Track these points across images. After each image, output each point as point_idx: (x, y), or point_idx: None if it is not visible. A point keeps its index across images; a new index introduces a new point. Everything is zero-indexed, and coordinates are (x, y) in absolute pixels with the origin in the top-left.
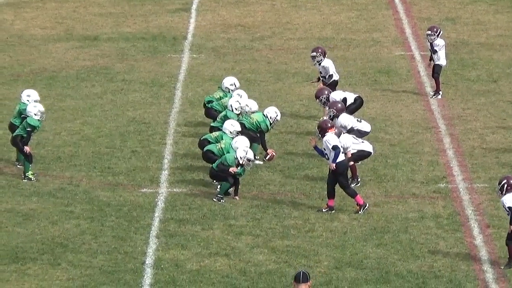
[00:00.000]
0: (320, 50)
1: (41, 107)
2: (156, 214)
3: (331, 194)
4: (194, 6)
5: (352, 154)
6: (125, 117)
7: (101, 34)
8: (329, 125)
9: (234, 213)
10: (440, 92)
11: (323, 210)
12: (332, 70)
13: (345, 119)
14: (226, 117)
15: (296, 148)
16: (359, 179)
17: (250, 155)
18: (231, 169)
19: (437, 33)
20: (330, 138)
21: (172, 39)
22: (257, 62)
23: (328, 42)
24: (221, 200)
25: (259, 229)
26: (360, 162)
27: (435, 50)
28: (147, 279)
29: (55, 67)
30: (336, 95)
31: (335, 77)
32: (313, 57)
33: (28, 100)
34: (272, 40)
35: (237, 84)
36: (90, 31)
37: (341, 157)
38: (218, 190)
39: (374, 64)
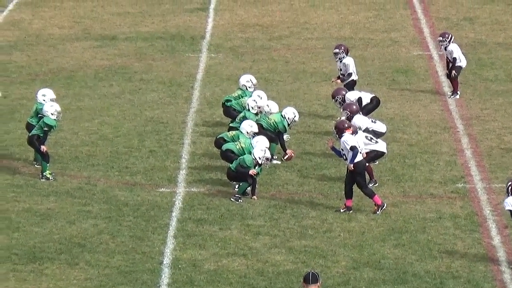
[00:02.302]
0: (343, 48)
1: (57, 107)
2: (174, 214)
3: (349, 194)
4: (212, 6)
5: (366, 154)
6: (143, 116)
7: (119, 34)
8: (346, 125)
9: (252, 213)
10: (458, 92)
11: (341, 211)
12: (352, 69)
13: (360, 120)
14: (245, 118)
15: (314, 148)
16: (376, 180)
17: (268, 154)
18: (250, 172)
19: (449, 39)
20: (348, 139)
21: (190, 39)
22: (275, 61)
23: (346, 41)
24: (239, 200)
25: (277, 229)
26: (377, 162)
27: (454, 58)
28: (165, 279)
29: (73, 67)
30: (352, 95)
31: (354, 76)
32: (336, 54)
33: (44, 100)
34: (290, 39)
35: (254, 81)
36: (108, 31)
37: (359, 157)
38: (236, 189)
39: (392, 64)
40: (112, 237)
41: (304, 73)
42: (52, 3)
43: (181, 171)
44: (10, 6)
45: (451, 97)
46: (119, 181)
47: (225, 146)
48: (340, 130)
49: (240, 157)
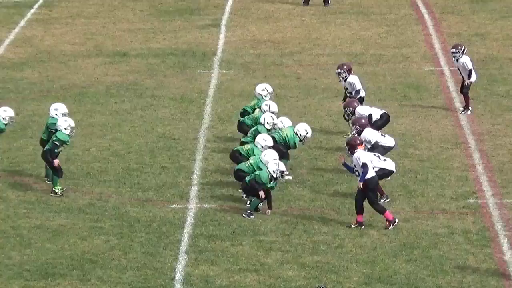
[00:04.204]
0: (345, 67)
1: (71, 122)
2: (186, 230)
3: (360, 210)
4: (223, 22)
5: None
6: (154, 133)
7: (131, 50)
8: (358, 141)
9: (264, 228)
10: (470, 108)
11: (353, 226)
12: (358, 85)
13: (370, 134)
14: (257, 132)
15: (326, 164)
16: (387, 196)
17: (282, 167)
18: (260, 194)
19: (462, 50)
20: (361, 155)
21: (201, 55)
22: (286, 77)
23: (358, 57)
24: (251, 216)
25: (288, 244)
26: (389, 178)
27: (470, 70)
28: None
29: (85, 83)
30: (362, 110)
31: (362, 93)
32: (338, 74)
33: (56, 114)
34: (302, 55)
35: (270, 89)
36: (119, 47)
37: (371, 173)
38: (248, 205)
39: (403, 79)
40: (124, 253)
41: (315, 89)
42: (64, 19)
43: (192, 187)
44: (22, 23)
45: (463, 112)
46: (131, 197)
47: (237, 167)
48: (352, 147)
49: (256, 173)
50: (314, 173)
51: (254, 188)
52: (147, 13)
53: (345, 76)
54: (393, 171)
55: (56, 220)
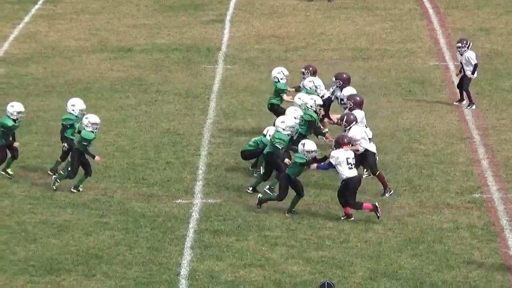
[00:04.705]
0: (310, 68)
1: (92, 118)
2: (191, 225)
3: (344, 203)
4: (228, 17)
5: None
6: (159, 128)
7: (135, 46)
8: (346, 141)
9: (269, 224)
10: (474, 103)
11: (341, 218)
12: (321, 88)
13: (356, 132)
14: (261, 142)
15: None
16: (391, 189)
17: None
18: (286, 161)
19: (467, 45)
20: (336, 154)
21: (206, 50)
22: (291, 72)
23: (362, 53)
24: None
25: (293, 239)
26: (377, 158)
27: (470, 63)
28: None
29: (89, 79)
30: (348, 91)
31: (326, 94)
32: (302, 73)
33: (73, 110)
34: (306, 51)
35: (285, 73)
36: (124, 43)
37: (353, 173)
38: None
39: (408, 74)
40: (129, 248)
41: None
42: (68, 15)
43: (197, 183)
44: (26, 19)
45: (468, 107)
46: (136, 193)
47: (242, 150)
48: (338, 145)
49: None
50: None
51: (274, 161)
52: (151, 9)
53: (305, 77)
54: (375, 153)
55: (61, 215)
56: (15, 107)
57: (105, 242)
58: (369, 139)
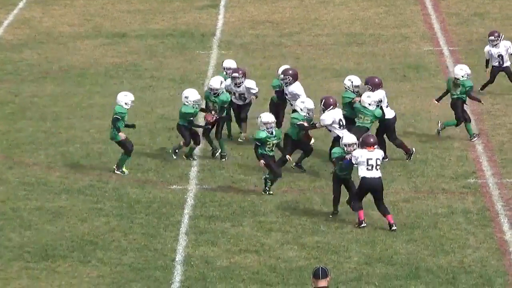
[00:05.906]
0: (240, 71)
1: (131, 96)
2: (186, 211)
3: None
4: (222, 3)
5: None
6: (154, 114)
7: (130, 31)
8: (370, 142)
9: (264, 209)
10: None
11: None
12: (254, 90)
13: (327, 117)
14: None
15: (325, 144)
16: (387, 156)
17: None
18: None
19: (500, 37)
20: (356, 154)
21: (200, 36)
22: (285, 58)
23: (357, 38)
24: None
25: (289, 225)
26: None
27: (506, 54)
28: (177, 276)
29: (84, 64)
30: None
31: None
32: (233, 78)
33: (187, 102)
34: (301, 36)
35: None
36: (118, 28)
37: (371, 174)
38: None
39: (402, 59)
40: (124, 234)
41: (314, 70)
42: (63, 1)
43: (192, 168)
44: (21, 4)
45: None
46: (131, 179)
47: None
48: (362, 144)
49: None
50: (313, 153)
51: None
52: None
53: (241, 82)
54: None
55: (56, 201)
56: (128, 96)
57: (100, 228)
58: (389, 119)
